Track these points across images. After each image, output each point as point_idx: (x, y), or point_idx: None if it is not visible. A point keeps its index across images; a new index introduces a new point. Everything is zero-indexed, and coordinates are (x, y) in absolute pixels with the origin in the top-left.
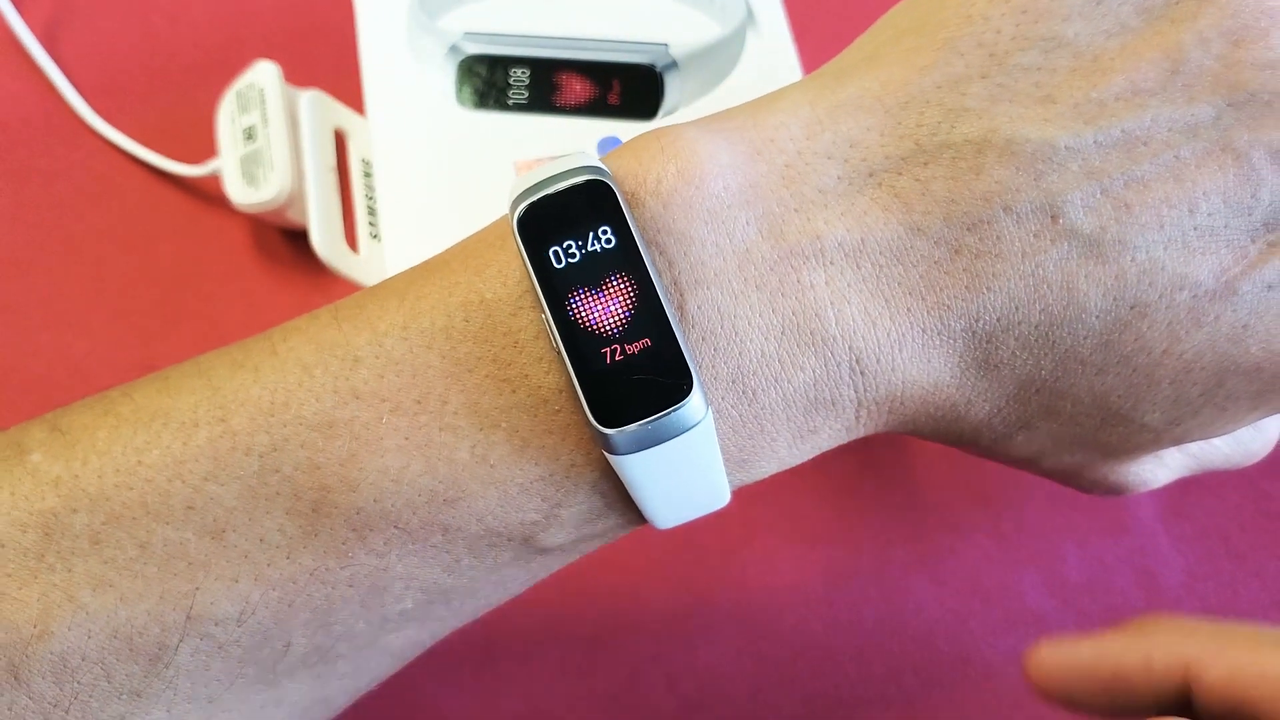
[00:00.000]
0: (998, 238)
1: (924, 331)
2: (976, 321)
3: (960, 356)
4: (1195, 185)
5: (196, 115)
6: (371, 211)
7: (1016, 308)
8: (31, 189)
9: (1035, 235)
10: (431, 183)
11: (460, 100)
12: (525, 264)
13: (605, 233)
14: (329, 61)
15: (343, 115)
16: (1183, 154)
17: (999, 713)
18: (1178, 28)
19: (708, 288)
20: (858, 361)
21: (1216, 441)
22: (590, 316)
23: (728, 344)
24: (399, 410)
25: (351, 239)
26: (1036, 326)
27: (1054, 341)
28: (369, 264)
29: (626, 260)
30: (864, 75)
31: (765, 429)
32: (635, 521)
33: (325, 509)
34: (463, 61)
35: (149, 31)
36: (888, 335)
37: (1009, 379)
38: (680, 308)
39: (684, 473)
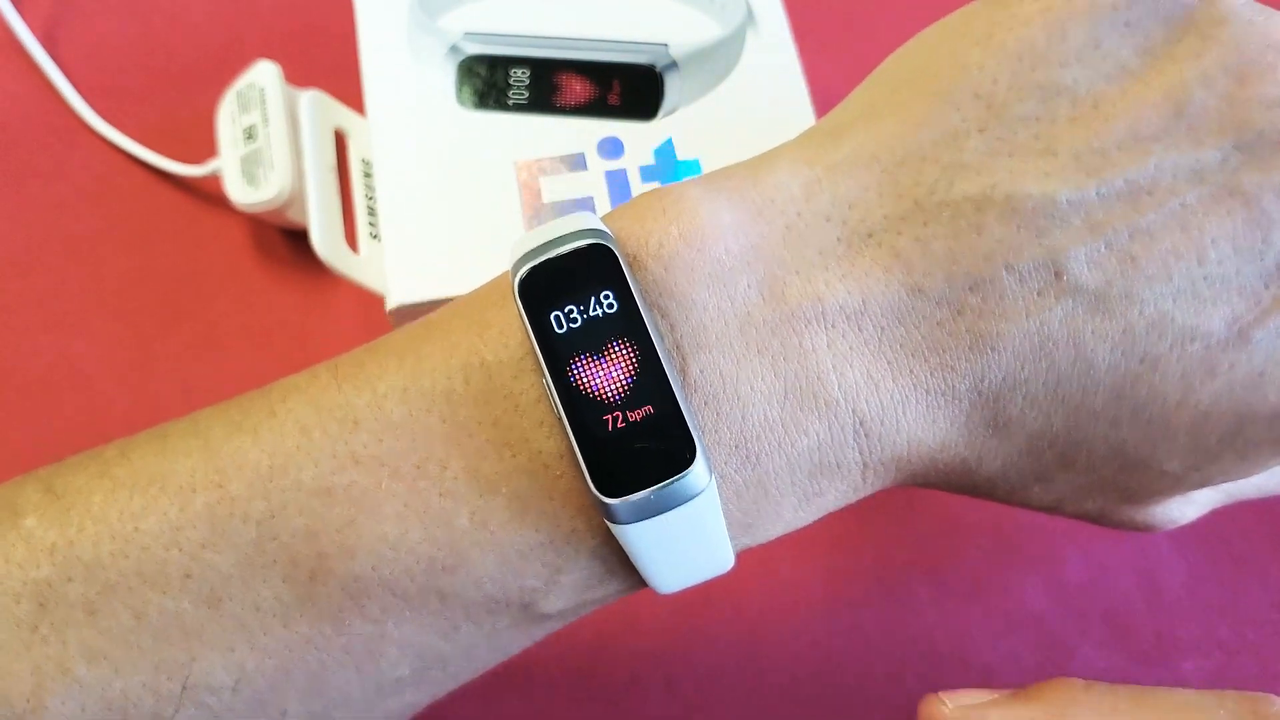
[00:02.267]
0: (1000, 297)
1: (928, 393)
2: (982, 381)
3: (967, 416)
4: (1203, 233)
5: (196, 115)
6: (371, 211)
7: (1022, 366)
8: (31, 189)
9: (1039, 293)
10: (431, 183)
11: (460, 100)
12: (526, 328)
13: (607, 297)
14: (329, 61)
15: (343, 115)
16: (1189, 200)
17: None
18: (1180, 66)
19: (710, 351)
20: (862, 424)
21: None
22: (592, 383)
23: (730, 409)
24: (398, 476)
25: (351, 239)
26: (1044, 384)
27: (1063, 397)
28: (369, 264)
29: (628, 326)
30: (861, 132)
31: (770, 493)
32: (637, 586)
33: (322, 576)
34: (463, 61)
35: (149, 31)
36: (891, 398)
37: (1019, 435)
38: (683, 372)
39: (687, 540)
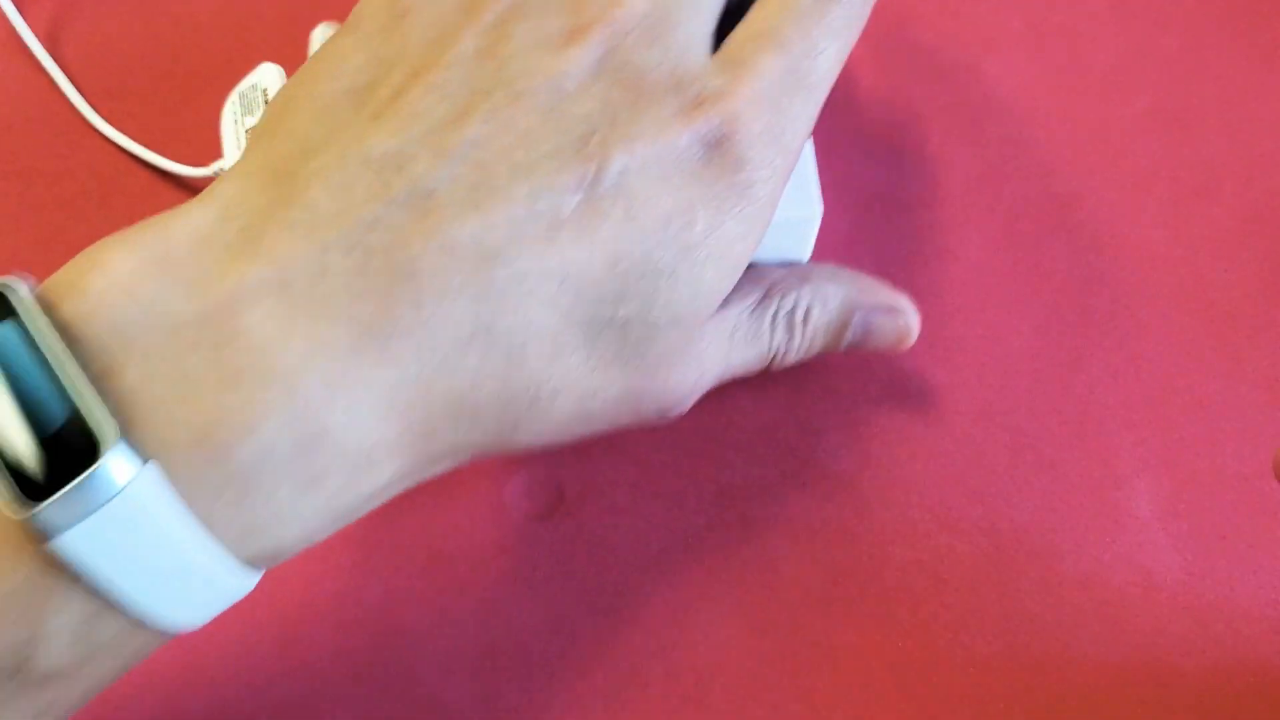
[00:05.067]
0: (393, 228)
1: (378, 335)
2: (419, 309)
3: (420, 345)
4: (514, 125)
5: (200, 117)
6: None
7: (444, 279)
8: (35, 191)
9: (421, 214)
10: None
11: None
12: None
13: (7, 336)
14: None
15: None
16: (493, 106)
17: (996, 709)
18: (405, 63)
19: (144, 360)
20: (324, 384)
21: (737, 359)
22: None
23: (178, 408)
24: None
25: None
26: (461, 286)
27: (483, 287)
28: None
29: (35, 356)
30: (234, 170)
31: (256, 486)
32: (141, 623)
33: None
34: None
35: (152, 33)
36: (341, 348)
37: (481, 342)
38: (113, 384)
39: (150, 547)
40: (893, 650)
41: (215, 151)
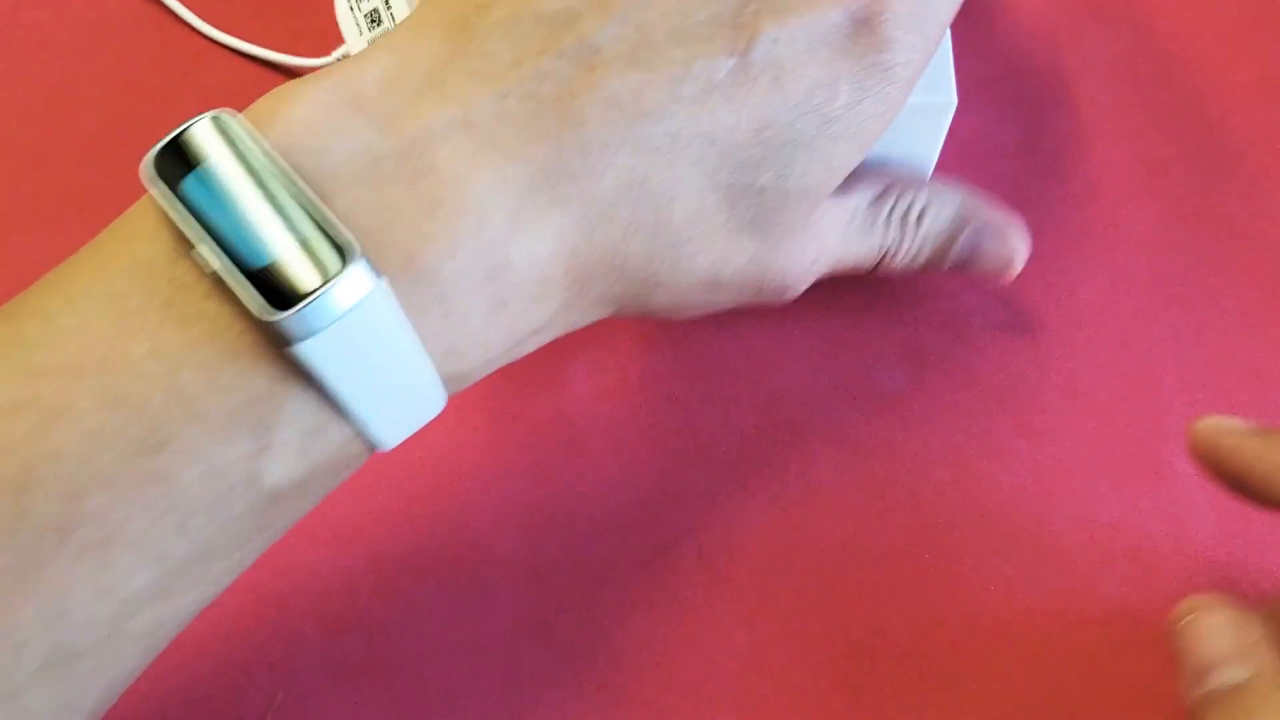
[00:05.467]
0: (563, 80)
1: (550, 174)
2: (586, 154)
3: (587, 187)
4: None
5: (307, 6)
6: None
7: (610, 129)
8: (160, 111)
9: (588, 69)
10: None
11: None
12: (164, 205)
13: (230, 157)
14: None
15: None
16: None
17: (1012, 630)
18: None
19: (349, 189)
20: (506, 217)
21: (852, 249)
22: (237, 228)
23: (384, 234)
24: (83, 374)
25: None
26: (622, 138)
27: (640, 142)
28: None
29: (260, 176)
30: (409, 22)
31: (455, 307)
32: (359, 435)
33: (31, 487)
34: None
35: None
36: (520, 186)
37: (635, 194)
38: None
39: (377, 359)
40: (918, 561)
41: (327, 41)
